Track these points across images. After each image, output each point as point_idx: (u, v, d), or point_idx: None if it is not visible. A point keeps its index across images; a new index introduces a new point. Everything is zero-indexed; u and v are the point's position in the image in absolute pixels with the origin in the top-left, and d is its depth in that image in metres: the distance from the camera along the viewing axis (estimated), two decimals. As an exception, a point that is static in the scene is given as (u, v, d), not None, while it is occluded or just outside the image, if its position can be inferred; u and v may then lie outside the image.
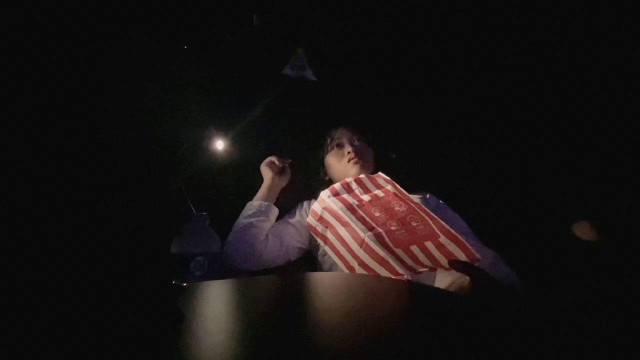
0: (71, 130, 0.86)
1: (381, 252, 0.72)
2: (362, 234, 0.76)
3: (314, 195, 1.04)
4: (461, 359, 0.28)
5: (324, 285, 0.56)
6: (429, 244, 0.74)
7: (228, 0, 1.21)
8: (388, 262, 0.71)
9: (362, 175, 0.96)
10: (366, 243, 0.74)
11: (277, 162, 1.05)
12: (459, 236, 0.75)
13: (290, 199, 1.08)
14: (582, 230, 1.04)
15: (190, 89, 1.06)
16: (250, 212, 0.97)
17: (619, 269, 0.89)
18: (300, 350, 0.29)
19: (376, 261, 0.73)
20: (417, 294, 0.51)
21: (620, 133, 1.10)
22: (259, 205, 0.98)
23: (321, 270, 0.96)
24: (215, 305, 0.43)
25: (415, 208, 0.82)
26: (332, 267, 0.93)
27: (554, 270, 0.99)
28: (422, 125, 1.30)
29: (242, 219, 0.96)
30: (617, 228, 1.01)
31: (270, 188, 1.02)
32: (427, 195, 1.03)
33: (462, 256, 0.73)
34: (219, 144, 1.03)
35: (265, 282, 0.57)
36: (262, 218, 0.96)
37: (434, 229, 0.76)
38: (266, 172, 1.04)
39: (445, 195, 1.06)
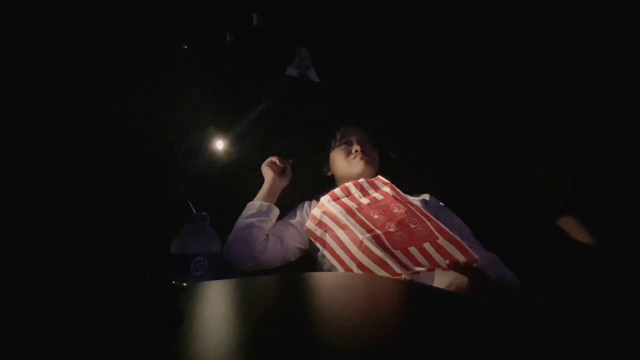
0: (71, 130, 0.86)
1: (379, 253, 0.72)
2: (360, 236, 0.76)
3: (315, 196, 1.04)
4: (461, 359, 0.28)
5: (324, 285, 0.56)
6: (427, 246, 0.75)
7: (228, 0, 1.21)
8: (386, 263, 0.71)
9: (361, 180, 0.96)
10: (365, 245, 0.75)
11: (278, 163, 1.05)
12: (457, 238, 0.75)
13: (291, 199, 1.08)
14: (570, 226, 1.04)
15: (190, 89, 1.06)
16: (251, 213, 0.97)
17: (619, 269, 0.89)
18: (300, 350, 0.29)
19: (374, 262, 0.73)
20: (417, 294, 0.51)
21: (620, 133, 1.10)
22: (259, 206, 0.98)
23: (321, 270, 0.96)
24: (215, 305, 0.43)
25: (414, 210, 0.83)
26: (332, 268, 0.93)
27: (554, 270, 0.99)
28: (423, 126, 1.30)
29: (243, 219, 0.96)
30: (617, 228, 1.01)
31: (270, 188, 1.02)
32: (428, 197, 1.03)
33: (460, 257, 0.73)
34: (219, 144, 1.03)
35: (265, 282, 0.57)
36: (263, 218, 0.96)
37: (432, 231, 0.76)
38: (267, 173, 1.04)
39: (446, 197, 1.06)
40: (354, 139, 1.09)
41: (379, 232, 0.77)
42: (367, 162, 1.04)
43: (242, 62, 1.20)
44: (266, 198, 1.00)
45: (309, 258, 1.02)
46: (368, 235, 0.76)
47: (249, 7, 1.25)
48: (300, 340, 0.31)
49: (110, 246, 0.80)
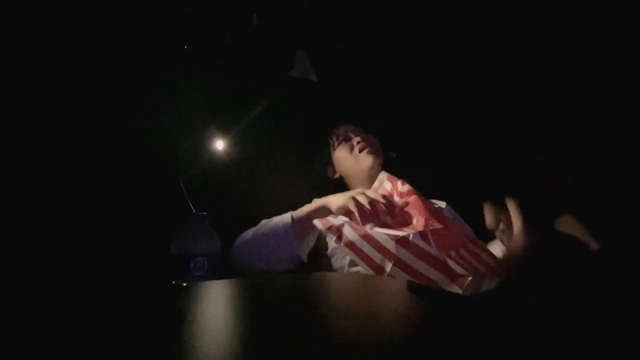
0: (71, 130, 0.86)
1: (432, 251, 0.65)
2: (404, 233, 0.67)
3: (324, 194, 1.00)
4: (461, 359, 0.28)
5: (325, 285, 0.56)
6: (462, 251, 0.69)
7: (228, 0, 1.21)
8: (442, 261, 0.64)
9: (387, 184, 0.87)
10: (412, 241, 0.66)
11: (366, 205, 0.74)
12: (481, 242, 0.75)
13: (296, 199, 1.07)
14: (568, 225, 1.04)
15: (190, 89, 1.06)
16: (277, 232, 0.86)
17: (619, 269, 0.89)
18: (300, 350, 0.29)
19: (420, 259, 0.65)
20: (417, 294, 0.51)
21: (620, 133, 1.10)
22: (288, 230, 0.85)
23: (323, 270, 0.96)
24: (215, 305, 0.43)
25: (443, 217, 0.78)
26: (340, 268, 0.92)
27: (554, 270, 0.99)
28: (423, 126, 1.30)
29: (265, 235, 0.87)
30: (617, 228, 1.01)
31: (319, 213, 0.82)
32: (446, 206, 1.00)
33: (489, 260, 0.72)
34: (219, 144, 1.02)
35: (265, 282, 0.57)
36: (284, 248, 0.87)
37: (461, 237, 0.74)
38: (338, 201, 0.79)
39: (446, 197, 1.06)
40: (351, 134, 1.08)
41: (424, 229, 0.68)
42: (372, 153, 1.02)
43: (242, 62, 1.20)
44: (307, 217, 0.84)
45: (310, 258, 1.02)
46: (414, 232, 0.67)
47: (249, 7, 1.24)
48: (300, 340, 0.31)
49: (110, 246, 0.80)
